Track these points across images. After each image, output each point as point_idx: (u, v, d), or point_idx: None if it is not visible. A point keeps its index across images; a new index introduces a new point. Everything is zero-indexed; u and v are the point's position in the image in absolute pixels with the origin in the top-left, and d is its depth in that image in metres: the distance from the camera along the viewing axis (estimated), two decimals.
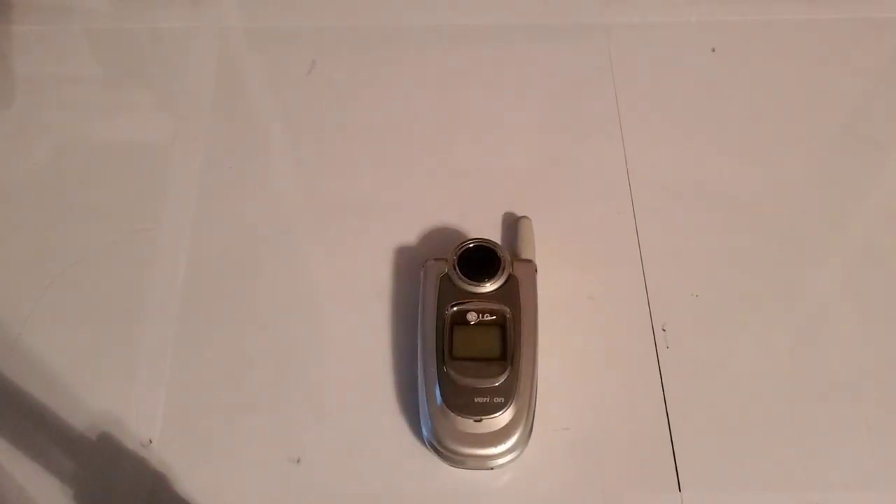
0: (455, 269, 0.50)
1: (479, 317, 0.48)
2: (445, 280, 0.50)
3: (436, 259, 0.51)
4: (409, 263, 0.56)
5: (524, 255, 0.54)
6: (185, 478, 0.48)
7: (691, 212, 0.59)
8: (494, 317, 0.48)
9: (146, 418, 0.50)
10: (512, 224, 0.57)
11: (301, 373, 0.52)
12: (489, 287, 0.49)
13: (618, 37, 0.70)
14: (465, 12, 0.72)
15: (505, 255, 0.51)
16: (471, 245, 0.51)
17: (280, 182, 0.62)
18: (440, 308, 0.49)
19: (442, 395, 0.46)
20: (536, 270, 0.52)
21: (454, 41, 0.70)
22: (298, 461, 0.49)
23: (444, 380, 0.46)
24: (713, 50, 0.69)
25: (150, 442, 0.49)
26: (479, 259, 0.50)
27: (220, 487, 0.48)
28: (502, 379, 0.46)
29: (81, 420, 0.50)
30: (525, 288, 0.50)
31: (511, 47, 0.70)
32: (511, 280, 0.50)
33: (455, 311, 0.49)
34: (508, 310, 0.49)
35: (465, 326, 0.48)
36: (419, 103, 0.66)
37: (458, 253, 0.51)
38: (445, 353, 0.47)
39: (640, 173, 0.61)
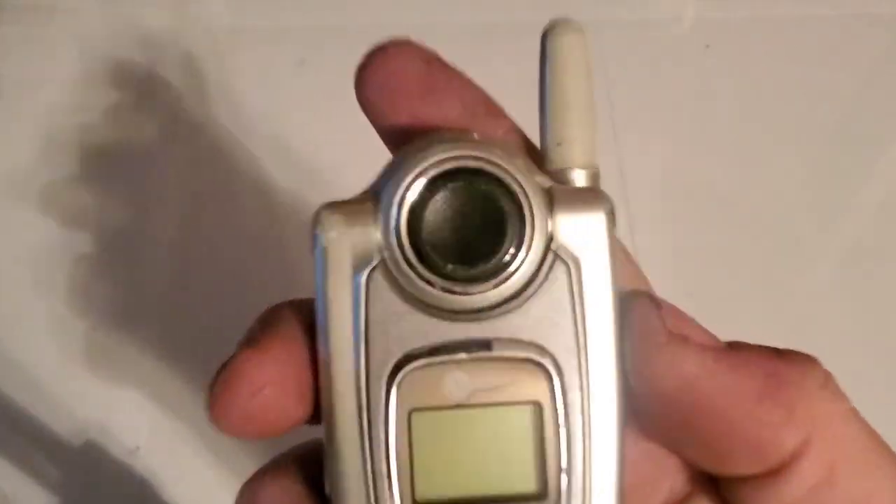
0: None
1: None
2: None
3: None
4: None
5: None
6: (172, 485, 0.48)
7: (685, 211, 0.58)
8: None
9: (133, 425, 0.49)
10: None
11: None
12: None
13: (610, 34, 0.69)
14: (454, 10, 0.72)
15: None
16: None
17: (268, 183, 0.61)
18: None
19: None
20: None
21: (442, 39, 0.69)
22: None
23: None
24: (707, 47, 0.69)
25: (138, 449, 0.49)
26: None
27: (209, 494, 0.47)
28: None
29: (67, 427, 0.49)
30: None
31: (501, 45, 0.69)
32: None
33: None
34: None
35: None
36: None
37: None
38: None
39: (633, 172, 0.60)
